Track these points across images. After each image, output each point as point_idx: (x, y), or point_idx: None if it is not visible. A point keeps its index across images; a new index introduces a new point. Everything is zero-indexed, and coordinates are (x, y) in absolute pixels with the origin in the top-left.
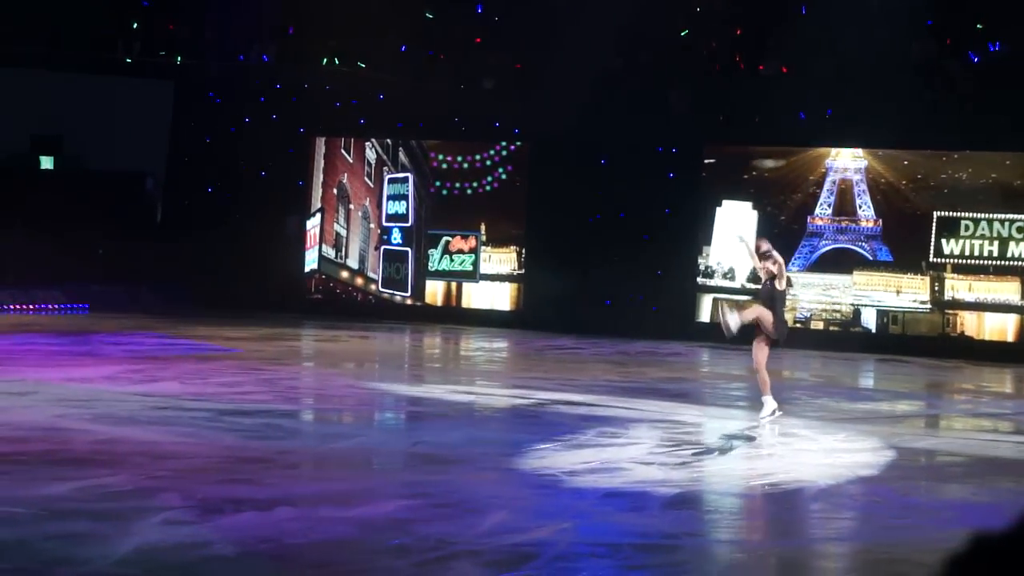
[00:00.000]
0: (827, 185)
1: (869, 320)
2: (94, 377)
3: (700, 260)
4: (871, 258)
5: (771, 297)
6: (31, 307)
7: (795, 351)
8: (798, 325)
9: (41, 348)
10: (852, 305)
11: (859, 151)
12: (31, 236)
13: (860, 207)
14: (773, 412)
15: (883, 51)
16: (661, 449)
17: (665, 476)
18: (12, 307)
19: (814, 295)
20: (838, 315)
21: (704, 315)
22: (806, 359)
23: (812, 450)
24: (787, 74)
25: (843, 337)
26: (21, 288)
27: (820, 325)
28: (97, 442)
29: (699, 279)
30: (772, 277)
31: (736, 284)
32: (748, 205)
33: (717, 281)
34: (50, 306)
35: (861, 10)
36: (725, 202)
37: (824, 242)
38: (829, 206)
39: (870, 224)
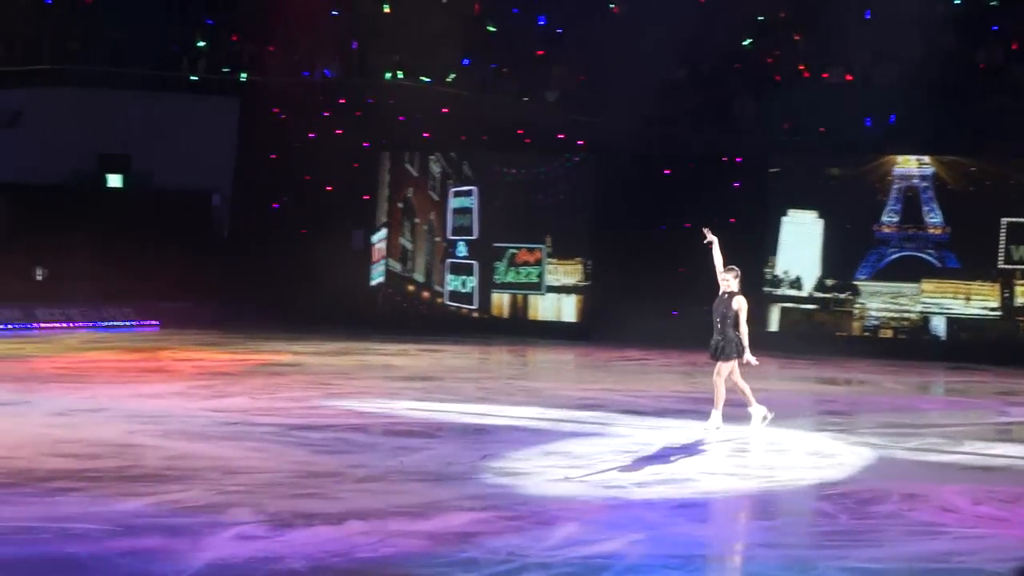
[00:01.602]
0: (893, 193)
1: (939, 328)
2: (165, 393)
3: (766, 270)
4: (939, 265)
5: (725, 315)
6: (102, 324)
7: (863, 361)
8: (866, 334)
9: (112, 365)
10: (921, 313)
11: (925, 158)
12: (100, 254)
13: (927, 214)
14: (764, 418)
15: (948, 57)
16: (731, 459)
17: (735, 486)
18: (83, 325)
19: (882, 303)
20: (906, 323)
21: (772, 324)
22: (881, 368)
23: (874, 461)
24: (852, 82)
25: (910, 345)
26: (91, 306)
27: (889, 334)
28: (168, 458)
29: (765, 288)
30: (732, 293)
31: (803, 293)
32: (814, 214)
33: (784, 290)
34: (120, 323)
35: (926, 16)
36: (790, 211)
37: (891, 250)
38: (896, 213)
39: (938, 231)
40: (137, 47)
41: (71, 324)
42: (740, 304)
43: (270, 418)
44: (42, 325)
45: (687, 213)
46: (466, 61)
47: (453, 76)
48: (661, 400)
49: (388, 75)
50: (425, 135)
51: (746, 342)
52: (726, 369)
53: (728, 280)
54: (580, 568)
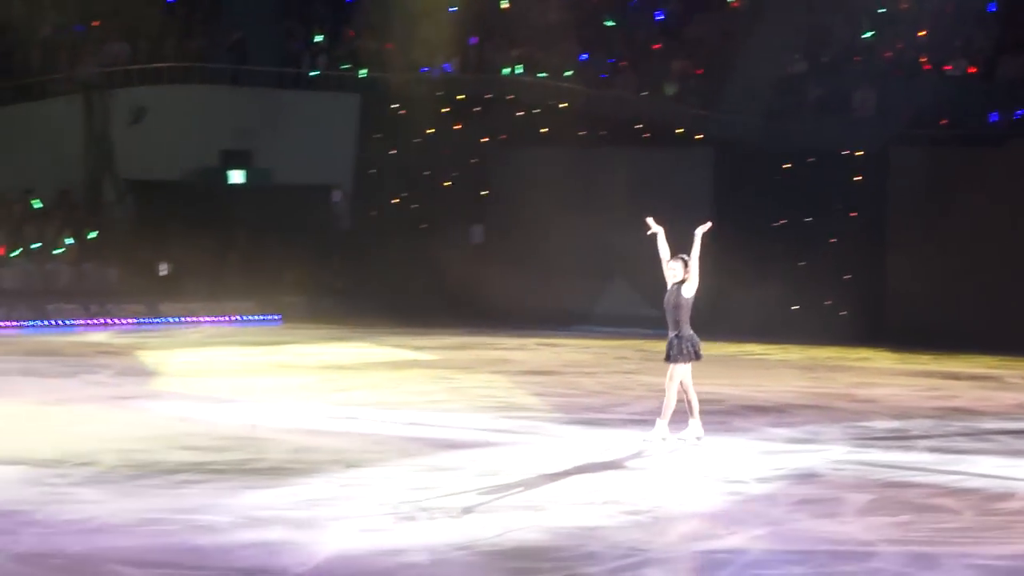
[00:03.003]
0: None
1: None
2: (287, 387)
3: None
4: None
5: (677, 306)
6: (225, 319)
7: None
8: None
9: (235, 359)
10: None
11: None
12: (222, 249)
13: None
14: (698, 438)
15: None
16: (853, 455)
17: (858, 482)
18: (206, 319)
19: None
20: None
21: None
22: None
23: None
24: (975, 74)
25: None
26: (214, 300)
27: None
28: (291, 451)
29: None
30: (681, 281)
31: None
32: (936, 207)
33: None
34: (243, 317)
35: None
36: (912, 204)
37: None
38: None
39: None
40: (259, 44)
41: (194, 319)
42: (690, 289)
43: (391, 412)
44: (166, 320)
45: (807, 207)
46: (584, 56)
47: (570, 72)
48: (782, 395)
49: (507, 70)
50: (543, 130)
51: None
52: (679, 373)
53: (676, 269)
54: (702, 563)
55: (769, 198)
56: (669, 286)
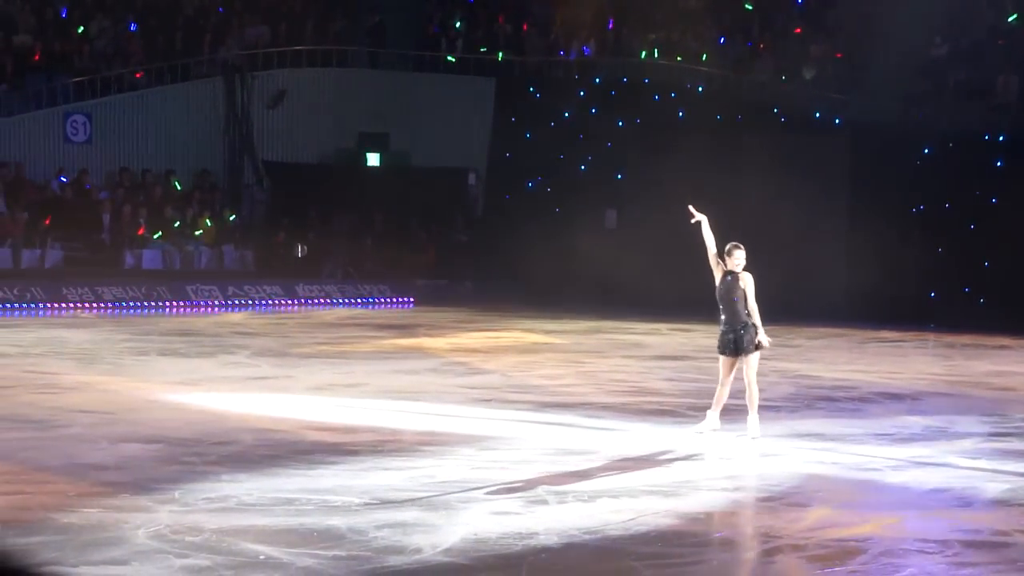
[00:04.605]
0: None
1: None
2: (420, 370)
3: None
4: None
5: (733, 298)
6: (359, 301)
7: None
8: None
9: (369, 341)
10: None
11: None
12: (358, 232)
13: None
14: (714, 430)
15: None
16: (989, 444)
17: (994, 471)
18: (340, 301)
19: None
20: None
21: None
22: None
23: None
24: None
25: None
26: (350, 282)
27: None
28: (424, 433)
29: None
30: (736, 273)
31: None
32: None
33: None
34: (377, 299)
35: None
36: None
37: None
38: None
39: None
40: (397, 28)
41: (329, 300)
42: (748, 280)
43: (523, 395)
44: (302, 301)
45: (946, 193)
46: (722, 39)
47: (706, 56)
48: (917, 382)
49: (644, 54)
50: (679, 114)
51: (759, 321)
52: (756, 362)
53: (737, 258)
54: (834, 550)
55: (907, 184)
56: (718, 279)
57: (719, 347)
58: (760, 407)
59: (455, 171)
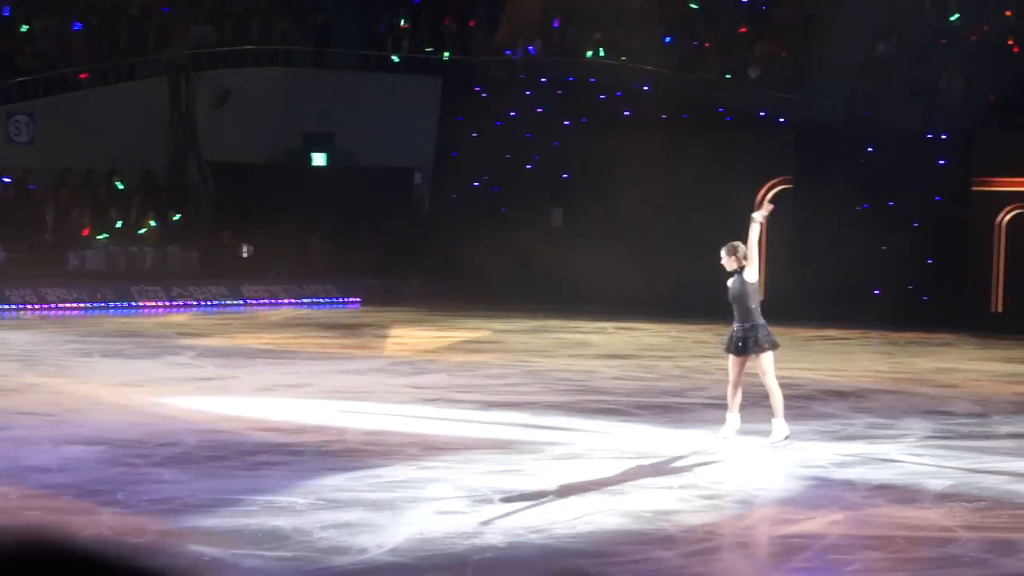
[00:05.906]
0: None
1: None
2: (365, 370)
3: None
4: None
5: (743, 294)
6: (304, 301)
7: None
8: None
9: (314, 341)
10: None
11: None
12: (303, 231)
13: None
14: (725, 437)
15: None
16: (932, 440)
17: (937, 467)
18: (286, 301)
19: None
20: None
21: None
22: None
23: None
24: None
25: None
26: (294, 283)
27: None
28: (369, 433)
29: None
30: (739, 270)
31: None
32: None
33: None
34: (323, 299)
35: None
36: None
37: None
38: None
39: None
40: (342, 27)
41: (275, 300)
42: (752, 275)
43: (469, 395)
44: (247, 301)
45: (890, 191)
46: (668, 39)
47: (653, 55)
48: (861, 380)
49: (589, 53)
50: (626, 113)
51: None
52: (770, 362)
53: (727, 260)
54: (779, 547)
55: (851, 182)
56: (732, 275)
57: (725, 346)
58: (704, 405)
59: (401, 171)
